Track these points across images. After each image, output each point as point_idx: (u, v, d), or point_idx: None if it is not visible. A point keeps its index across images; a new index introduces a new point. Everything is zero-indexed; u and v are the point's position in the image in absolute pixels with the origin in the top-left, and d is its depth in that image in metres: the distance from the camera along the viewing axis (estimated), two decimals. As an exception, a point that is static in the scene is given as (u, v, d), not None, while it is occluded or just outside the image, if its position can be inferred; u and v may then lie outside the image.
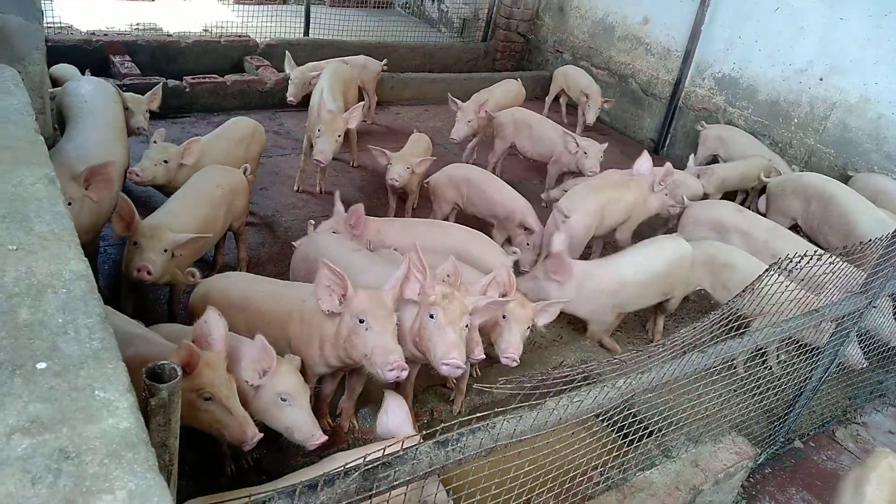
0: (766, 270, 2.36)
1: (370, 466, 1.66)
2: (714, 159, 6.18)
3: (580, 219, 4.17)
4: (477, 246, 3.65)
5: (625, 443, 2.55)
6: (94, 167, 3.01)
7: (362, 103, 5.05)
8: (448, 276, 2.73)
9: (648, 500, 2.61)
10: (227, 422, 2.19)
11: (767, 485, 3.34)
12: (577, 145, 5.15)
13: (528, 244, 4.18)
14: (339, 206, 3.59)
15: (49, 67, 4.89)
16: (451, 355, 2.41)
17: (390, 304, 2.45)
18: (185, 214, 3.46)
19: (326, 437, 2.41)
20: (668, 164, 4.61)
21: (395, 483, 1.69)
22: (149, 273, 2.98)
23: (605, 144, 5.30)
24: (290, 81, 5.74)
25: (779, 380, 3.14)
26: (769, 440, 3.44)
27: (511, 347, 2.89)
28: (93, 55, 6.14)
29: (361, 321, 2.40)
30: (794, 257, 2.30)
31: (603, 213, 4.34)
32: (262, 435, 2.24)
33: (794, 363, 3.29)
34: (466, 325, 2.52)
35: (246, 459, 2.71)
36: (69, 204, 2.89)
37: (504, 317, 2.91)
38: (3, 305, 1.20)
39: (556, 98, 7.64)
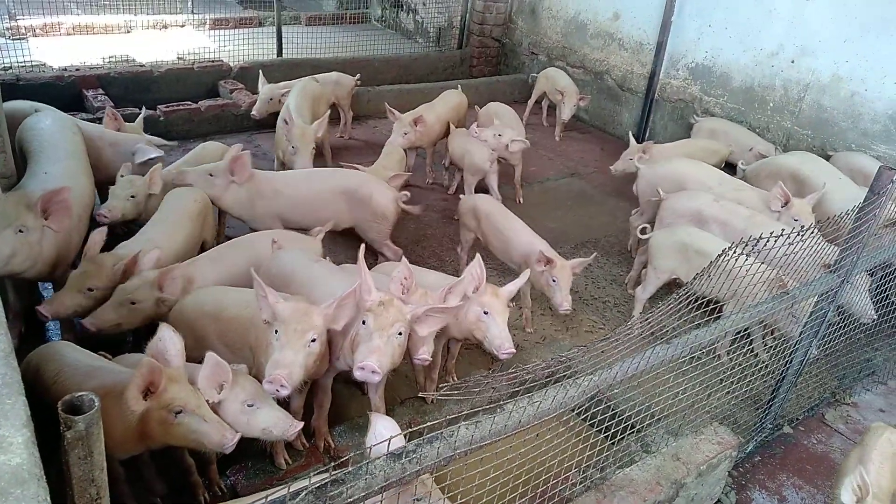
0: (722, 253, 2.33)
1: (321, 484, 1.63)
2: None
3: (646, 174, 4.94)
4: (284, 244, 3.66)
5: (601, 439, 2.52)
6: (49, 193, 3.00)
7: (326, 113, 5.05)
8: (405, 279, 2.72)
9: (629, 497, 2.57)
10: (203, 429, 2.21)
11: (757, 473, 3.30)
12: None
13: (553, 280, 3.67)
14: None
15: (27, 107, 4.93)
16: (367, 359, 2.41)
17: (314, 321, 2.43)
18: (164, 239, 3.47)
19: (304, 423, 2.46)
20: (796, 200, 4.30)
21: (350, 500, 1.66)
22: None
23: (526, 143, 5.45)
24: (258, 98, 5.77)
25: (758, 365, 3.10)
26: (757, 428, 3.40)
27: (505, 342, 2.88)
28: (66, 91, 6.16)
29: (276, 331, 2.42)
30: (750, 240, 2.27)
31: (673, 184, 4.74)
32: (240, 434, 2.27)
33: (774, 347, 3.26)
34: (400, 333, 2.51)
35: (219, 486, 2.68)
36: (20, 231, 2.91)
37: (486, 312, 2.91)
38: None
39: (539, 101, 7.65)
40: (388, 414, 3.05)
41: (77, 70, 6.48)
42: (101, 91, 6.25)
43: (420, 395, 3.18)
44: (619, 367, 2.19)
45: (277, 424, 2.36)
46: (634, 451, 2.80)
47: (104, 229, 3.26)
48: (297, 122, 4.63)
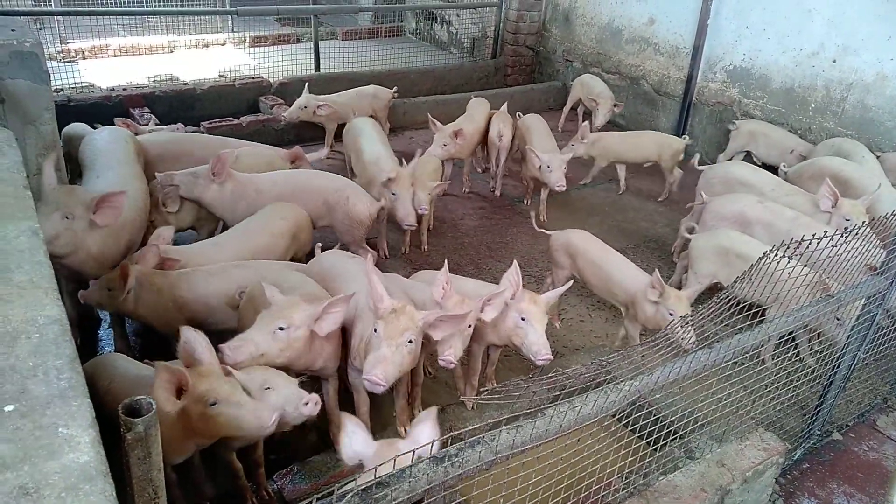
0: (763, 256, 2.30)
1: (366, 486, 1.67)
2: (747, 156, 6.11)
3: (707, 175, 5.04)
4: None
5: (643, 445, 2.51)
6: (106, 195, 3.23)
7: (418, 154, 5.02)
8: (447, 283, 2.77)
9: (673, 503, 2.55)
10: (240, 414, 2.26)
11: (806, 480, 3.23)
12: (539, 159, 5.13)
13: (670, 314, 3.46)
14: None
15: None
16: (373, 372, 2.45)
17: (290, 314, 2.57)
18: (232, 246, 3.65)
19: (319, 398, 2.48)
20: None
21: (394, 501, 1.70)
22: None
23: (570, 155, 5.30)
24: (295, 102, 5.94)
25: (804, 370, 3.04)
26: (804, 434, 3.33)
27: (542, 349, 2.86)
28: (113, 110, 6.36)
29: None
30: (791, 242, 2.24)
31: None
32: (277, 414, 2.31)
33: (820, 351, 3.20)
34: (410, 341, 2.55)
35: (266, 491, 2.74)
36: (66, 217, 3.08)
37: (523, 319, 2.91)
38: (-23, 355, 1.26)
39: (574, 108, 7.65)
40: (429, 420, 3.11)
41: (124, 90, 6.71)
42: (146, 109, 6.46)
43: (461, 399, 3.21)
44: (660, 371, 2.19)
45: (290, 400, 2.39)
46: (678, 456, 2.77)
47: (172, 227, 3.57)
48: (395, 170, 4.59)
